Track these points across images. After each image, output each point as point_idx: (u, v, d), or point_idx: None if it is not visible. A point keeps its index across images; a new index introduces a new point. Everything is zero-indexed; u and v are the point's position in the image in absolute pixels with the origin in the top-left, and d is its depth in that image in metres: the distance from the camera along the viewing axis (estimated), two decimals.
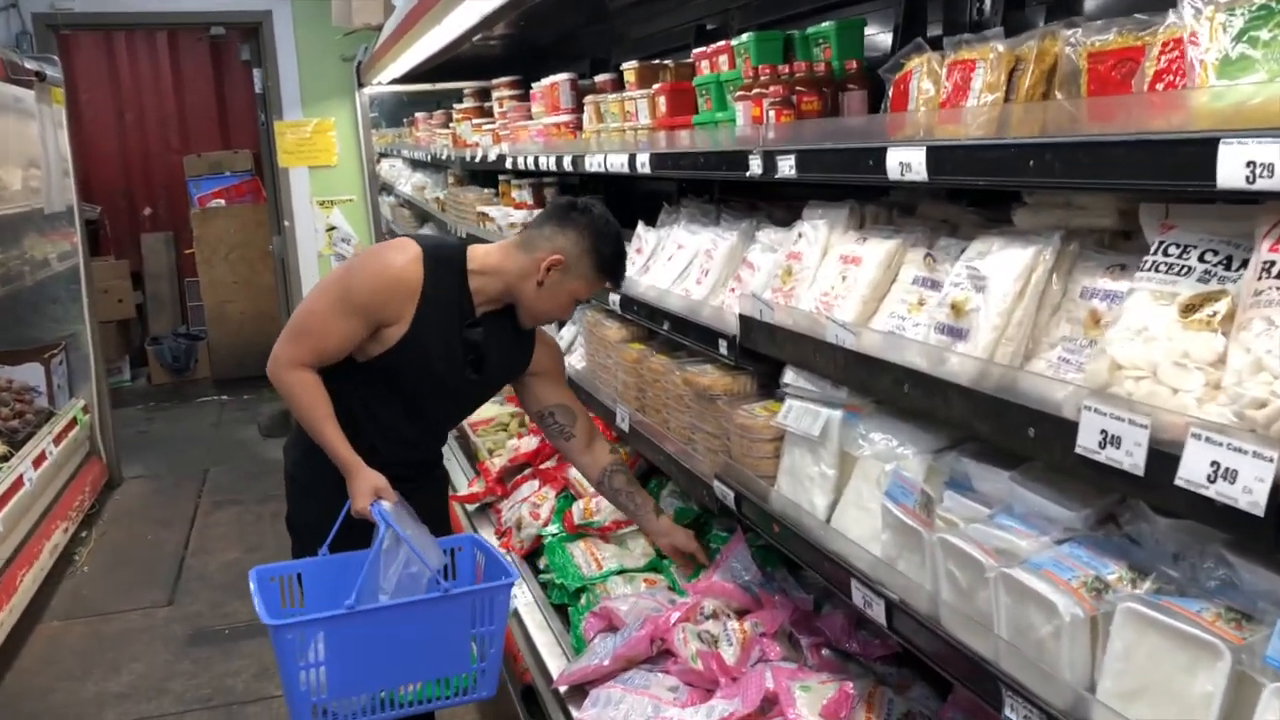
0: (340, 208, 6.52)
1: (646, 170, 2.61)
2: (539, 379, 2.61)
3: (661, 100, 2.69)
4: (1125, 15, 1.51)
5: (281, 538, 5.39)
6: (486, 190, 5.24)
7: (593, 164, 3.05)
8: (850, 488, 1.77)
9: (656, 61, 3.00)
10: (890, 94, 1.92)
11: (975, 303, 1.49)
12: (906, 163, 1.55)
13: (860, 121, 1.94)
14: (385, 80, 5.72)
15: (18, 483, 4.64)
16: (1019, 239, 1.49)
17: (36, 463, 4.94)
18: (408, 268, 2.26)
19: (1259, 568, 1.12)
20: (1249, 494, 0.95)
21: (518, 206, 4.49)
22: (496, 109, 4.80)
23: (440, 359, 2.32)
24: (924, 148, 1.50)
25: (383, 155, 6.82)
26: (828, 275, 1.90)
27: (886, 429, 1.71)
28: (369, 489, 2.24)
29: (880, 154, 1.60)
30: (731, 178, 2.16)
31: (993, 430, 1.38)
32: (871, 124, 1.83)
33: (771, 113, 2.09)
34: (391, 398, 2.39)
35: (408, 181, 7.33)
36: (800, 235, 2.07)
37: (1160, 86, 1.29)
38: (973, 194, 1.97)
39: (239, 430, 7.30)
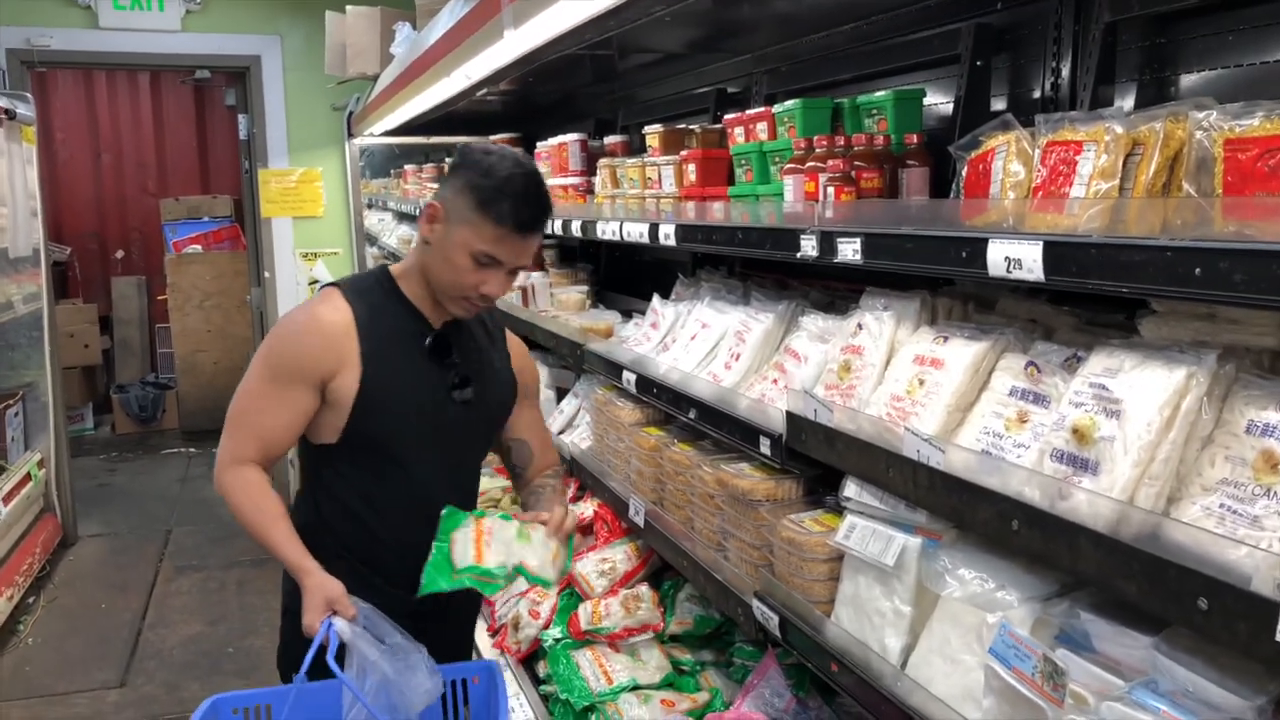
0: (324, 260, 6.25)
1: (670, 243, 2.38)
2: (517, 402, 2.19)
3: (691, 168, 2.46)
4: (1234, 100, 1.31)
5: (248, 610, 4.99)
6: None
7: (606, 231, 2.82)
8: (932, 631, 1.51)
9: (682, 126, 2.79)
10: (964, 174, 1.70)
11: (1106, 430, 1.25)
12: (1016, 258, 1.32)
13: (941, 205, 1.71)
14: (378, 131, 5.49)
15: None
16: (1159, 357, 1.26)
17: None
18: (329, 309, 1.90)
19: None
20: None
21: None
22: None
23: (413, 388, 1.93)
24: (1041, 243, 1.27)
25: (369, 206, 6.59)
26: (900, 377, 1.66)
27: (978, 565, 1.46)
28: (320, 601, 1.77)
29: (980, 245, 1.37)
30: (777, 258, 1.93)
31: (1142, 593, 1.13)
32: (955, 210, 1.60)
33: (830, 189, 1.86)
34: (388, 469, 1.96)
35: (393, 234, 7.10)
36: (860, 327, 1.83)
37: None
38: (1061, 292, 1.75)
39: (206, 487, 6.94)
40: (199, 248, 8.34)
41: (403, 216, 6.57)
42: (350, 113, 5.96)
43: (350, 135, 6.10)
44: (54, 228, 8.43)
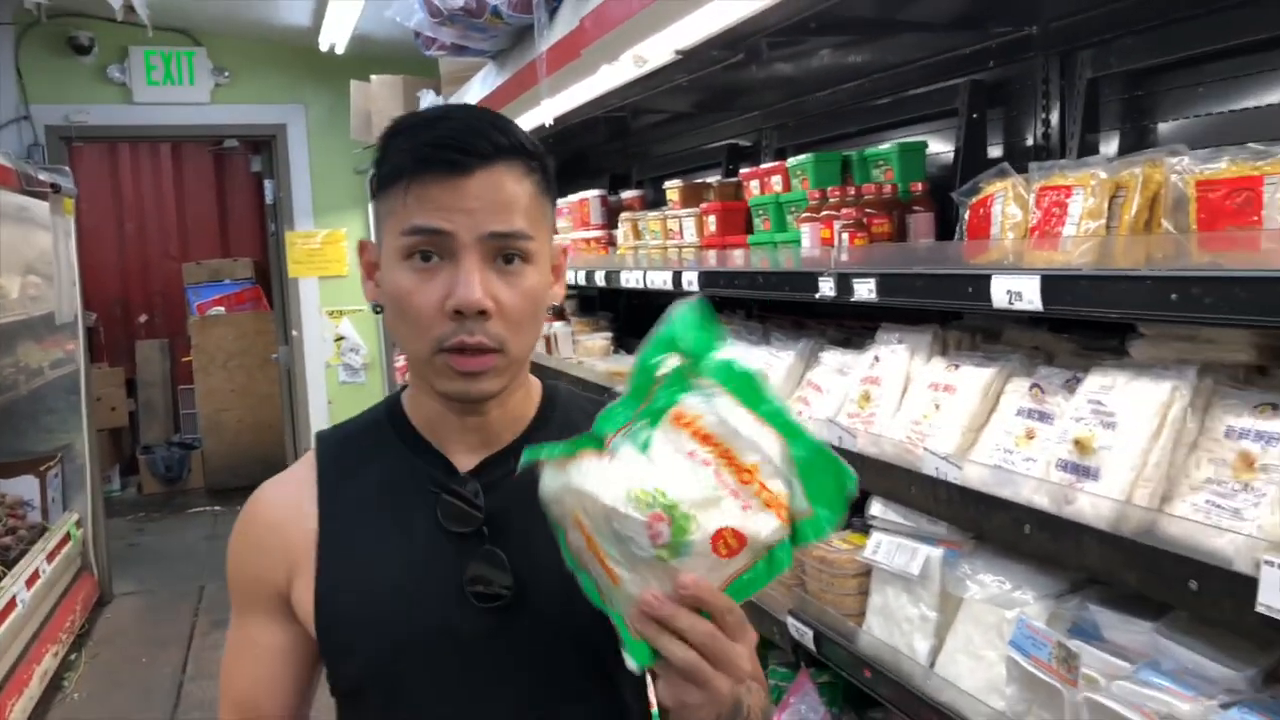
0: (349, 318, 6.46)
1: (694, 288, 2.55)
2: None
3: (711, 219, 2.65)
4: (1205, 145, 1.49)
5: None
6: None
7: (629, 280, 3.00)
8: (956, 632, 1.66)
9: (700, 180, 2.98)
10: (966, 218, 1.87)
11: (1104, 440, 1.41)
12: (1017, 291, 1.49)
13: (946, 246, 1.88)
14: None
15: (10, 604, 4.43)
16: (1147, 374, 1.42)
17: (29, 582, 4.73)
18: (279, 480, 1.24)
19: None
20: None
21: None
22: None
23: (410, 587, 1.12)
24: (1038, 276, 1.45)
25: None
26: (917, 403, 1.82)
27: (996, 569, 1.62)
28: None
29: (984, 281, 1.54)
30: (797, 299, 2.10)
31: (1141, 580, 1.28)
32: (960, 250, 1.77)
33: (845, 235, 2.04)
34: None
35: None
36: (877, 359, 2.00)
37: None
38: (1059, 321, 1.92)
39: None
40: (222, 309, 8.57)
41: None
42: (372, 175, 6.21)
43: (372, 197, 6.34)
44: (82, 294, 8.66)
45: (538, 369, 3.86)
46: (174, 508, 8.22)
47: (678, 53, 1.79)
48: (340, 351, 6.44)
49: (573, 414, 1.21)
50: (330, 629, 1.13)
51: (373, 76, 4.99)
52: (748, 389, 0.92)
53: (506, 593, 1.10)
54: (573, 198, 3.82)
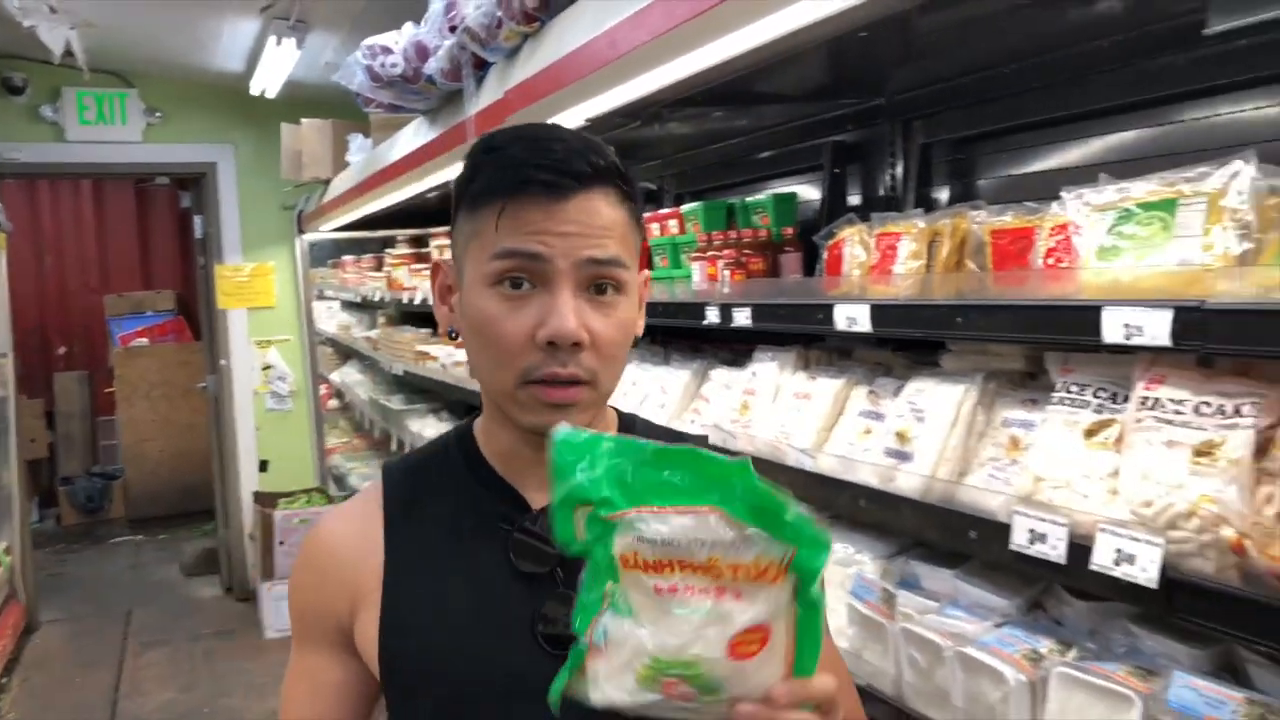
0: (277, 347, 6.70)
1: None
2: None
3: None
4: (1012, 201, 1.91)
5: (219, 675, 5.33)
6: (423, 330, 5.51)
7: None
8: None
9: None
10: (825, 257, 2.28)
11: (917, 431, 1.82)
12: (853, 317, 1.89)
13: (806, 281, 2.29)
14: (330, 228, 6.02)
15: None
16: (949, 380, 1.84)
17: None
18: (344, 510, 1.22)
19: (1156, 634, 1.44)
20: (1145, 572, 1.27)
21: (459, 346, 4.75)
22: (436, 255, 5.13)
23: (479, 626, 1.09)
24: (869, 305, 1.85)
25: (319, 297, 7.09)
26: (783, 409, 2.22)
27: (843, 539, 2.02)
28: None
29: (829, 309, 1.94)
30: (688, 325, 2.50)
31: (940, 535, 1.69)
32: (816, 284, 2.18)
33: (726, 272, 2.44)
34: None
35: (331, 319, 7.56)
36: (754, 374, 2.40)
37: (1050, 260, 1.66)
38: (897, 341, 2.33)
39: (159, 570, 7.23)
40: (145, 341, 8.69)
41: (348, 304, 7.05)
42: (300, 211, 6.48)
43: (300, 231, 6.61)
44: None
45: (464, 391, 4.15)
46: (95, 538, 8.29)
47: (588, 120, 2.17)
48: (268, 380, 6.67)
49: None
50: (394, 668, 1.10)
51: (303, 120, 5.29)
52: (643, 490, 0.82)
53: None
54: None
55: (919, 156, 2.40)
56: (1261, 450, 1.25)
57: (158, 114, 6.32)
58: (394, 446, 5.76)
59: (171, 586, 6.88)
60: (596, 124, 2.22)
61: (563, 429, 0.85)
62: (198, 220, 6.64)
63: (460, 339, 1.12)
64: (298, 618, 1.20)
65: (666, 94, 2.11)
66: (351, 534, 1.16)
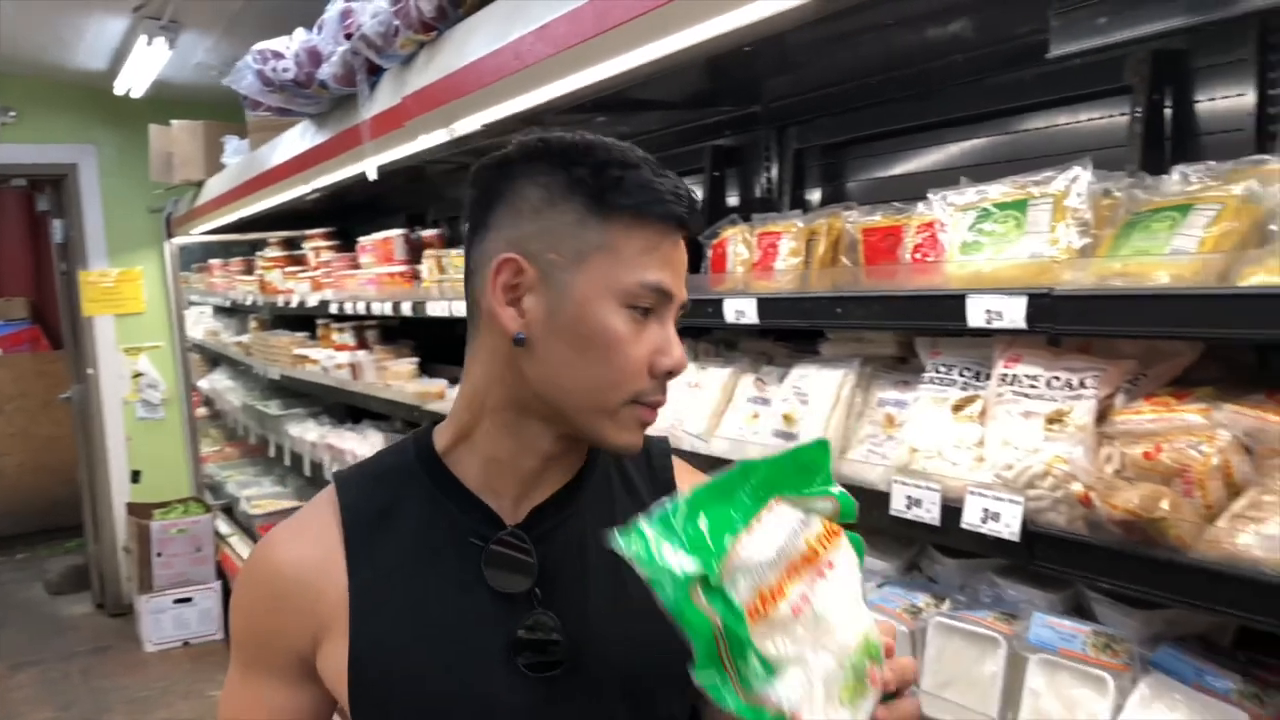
0: (147, 354, 6.51)
1: None
2: None
3: None
4: (878, 201, 2.09)
5: (97, 692, 5.13)
6: (299, 334, 5.46)
7: (435, 310, 3.42)
8: None
9: None
10: (710, 255, 2.43)
11: (801, 413, 1.98)
12: (741, 310, 2.04)
13: (693, 278, 2.44)
14: (197, 232, 5.90)
15: None
16: (829, 365, 2.01)
17: None
18: (295, 528, 1.12)
19: (1017, 584, 1.64)
20: (1009, 527, 1.45)
21: (339, 349, 4.74)
22: (313, 258, 5.10)
23: (456, 652, 1.06)
24: (755, 299, 2.00)
25: (192, 303, 6.92)
26: (677, 398, 2.36)
27: None
28: None
29: (719, 303, 2.09)
30: None
31: None
32: (704, 280, 2.33)
33: None
34: None
35: (198, 325, 7.38)
36: None
37: (918, 255, 1.84)
38: (779, 332, 2.50)
39: (22, 590, 6.93)
40: None
41: (218, 310, 6.90)
42: (169, 214, 6.31)
43: (170, 235, 6.43)
44: None
45: (340, 394, 4.20)
46: None
47: (484, 125, 2.26)
48: (138, 388, 6.48)
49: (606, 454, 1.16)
50: (365, 698, 1.04)
51: (174, 121, 5.18)
52: (714, 537, 0.83)
53: (558, 663, 1.05)
54: (377, 235, 4.20)
55: (793, 160, 2.58)
56: (1102, 416, 1.45)
57: (11, 113, 6.07)
58: (272, 453, 5.69)
59: (37, 606, 6.61)
60: (492, 129, 2.31)
61: (618, 543, 0.84)
62: (57, 224, 6.39)
63: (528, 343, 1.03)
64: (246, 643, 1.13)
65: (561, 102, 2.22)
66: (310, 556, 1.08)
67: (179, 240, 6.47)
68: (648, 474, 1.20)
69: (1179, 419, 1.34)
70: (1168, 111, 1.78)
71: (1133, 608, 1.52)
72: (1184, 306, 1.26)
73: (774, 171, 2.66)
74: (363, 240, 4.38)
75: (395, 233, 4.07)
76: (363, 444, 4.39)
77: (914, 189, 2.20)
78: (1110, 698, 1.40)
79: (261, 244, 5.86)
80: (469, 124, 2.27)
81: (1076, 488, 1.38)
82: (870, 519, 1.74)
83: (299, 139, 3.50)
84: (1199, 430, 1.31)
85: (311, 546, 1.08)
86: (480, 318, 1.07)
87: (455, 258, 3.47)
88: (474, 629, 1.05)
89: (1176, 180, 1.47)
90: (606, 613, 1.07)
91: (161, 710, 4.72)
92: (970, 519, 1.50)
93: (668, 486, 1.20)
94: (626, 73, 1.89)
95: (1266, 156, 1.40)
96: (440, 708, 1.04)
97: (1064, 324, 1.40)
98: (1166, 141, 1.80)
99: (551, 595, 1.07)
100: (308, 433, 5.00)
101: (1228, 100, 1.74)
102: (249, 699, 1.11)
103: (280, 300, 5.31)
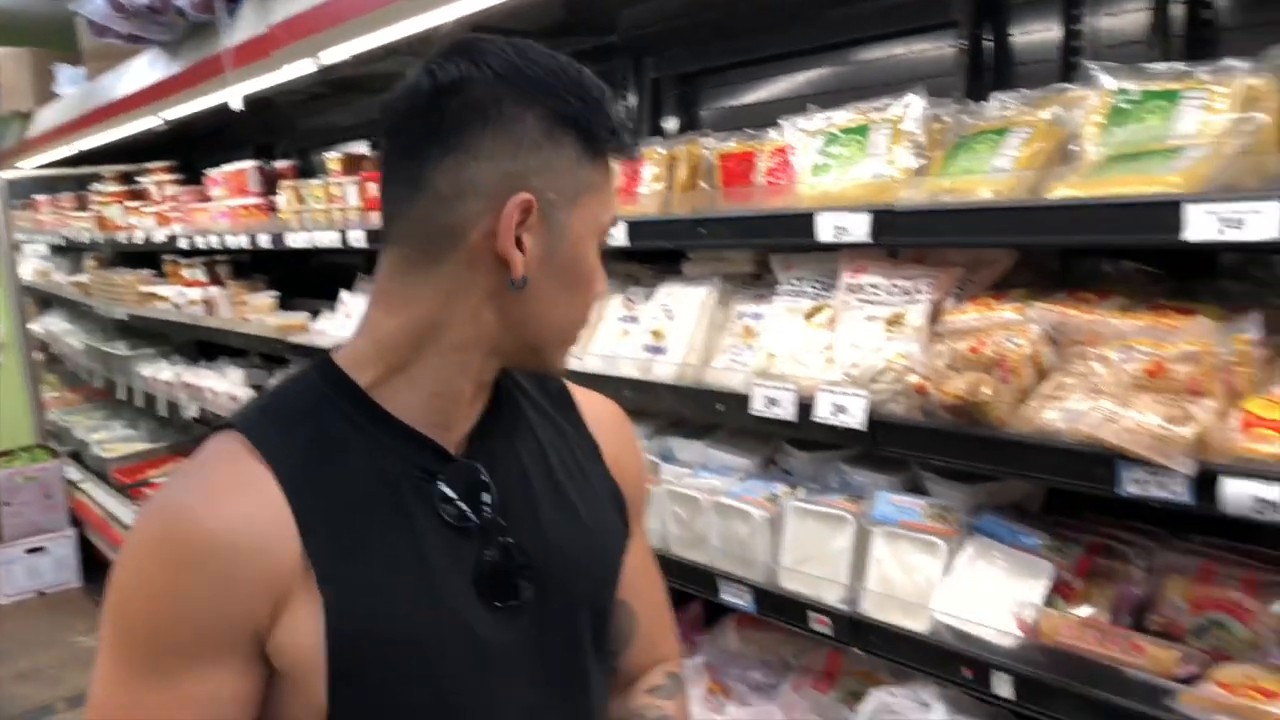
0: None
1: (361, 245, 3.06)
2: None
3: (372, 185, 3.15)
4: (730, 129, 2.23)
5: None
6: (144, 271, 5.29)
7: (295, 241, 3.42)
8: None
9: (356, 152, 3.46)
10: None
11: (669, 329, 2.13)
12: (613, 233, 2.17)
13: None
14: (29, 166, 5.60)
15: None
16: (692, 284, 2.16)
17: None
18: (227, 493, 0.96)
19: (862, 470, 1.85)
20: (856, 419, 1.64)
21: (191, 284, 4.64)
22: (156, 192, 4.94)
23: (427, 598, 1.00)
24: (625, 222, 2.13)
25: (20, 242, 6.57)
26: None
27: None
28: None
29: None
30: None
31: (694, 412, 2.02)
32: None
33: None
34: None
35: (26, 265, 7.03)
36: None
37: (771, 178, 2.00)
38: (644, 254, 2.64)
39: None
40: None
41: (55, 249, 6.58)
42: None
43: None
44: None
45: (196, 330, 4.14)
46: None
47: (354, 56, 2.29)
48: None
49: (511, 374, 1.14)
50: (344, 656, 0.95)
51: None
52: None
53: (528, 589, 1.05)
54: (228, 168, 4.13)
55: (650, 90, 2.70)
56: (934, 317, 1.65)
57: None
58: (121, 395, 5.54)
59: None
60: (361, 58, 2.35)
61: None
62: None
63: (526, 285, 0.98)
64: (166, 634, 0.93)
65: (429, 32, 2.28)
66: (252, 516, 0.94)
67: (7, 174, 6.13)
68: (542, 390, 1.19)
69: (998, 317, 1.55)
70: (988, 44, 1.98)
71: (960, 482, 1.74)
72: (1003, 217, 1.46)
73: (632, 100, 2.78)
74: (212, 173, 4.28)
75: (248, 164, 4.00)
76: (221, 381, 4.34)
77: (763, 118, 2.36)
78: (942, 559, 1.62)
79: (92, 179, 5.61)
80: (338, 53, 2.30)
81: (913, 379, 1.58)
82: (735, 419, 1.93)
83: (148, 68, 3.41)
84: (1014, 326, 1.52)
85: (249, 506, 0.94)
86: (455, 250, 0.97)
87: (316, 188, 3.47)
88: (444, 566, 1.00)
89: (995, 106, 1.66)
90: (562, 529, 1.08)
91: (23, 661, 4.62)
92: (822, 413, 1.69)
93: (563, 398, 1.21)
94: (491, 7, 1.97)
95: (1069, 85, 1.60)
96: (422, 655, 0.98)
97: (903, 237, 1.58)
98: (988, 71, 2.01)
99: (509, 522, 1.05)
100: (161, 372, 4.89)
101: (1039, 34, 1.95)
102: (162, 705, 0.92)
103: (123, 236, 5.13)
